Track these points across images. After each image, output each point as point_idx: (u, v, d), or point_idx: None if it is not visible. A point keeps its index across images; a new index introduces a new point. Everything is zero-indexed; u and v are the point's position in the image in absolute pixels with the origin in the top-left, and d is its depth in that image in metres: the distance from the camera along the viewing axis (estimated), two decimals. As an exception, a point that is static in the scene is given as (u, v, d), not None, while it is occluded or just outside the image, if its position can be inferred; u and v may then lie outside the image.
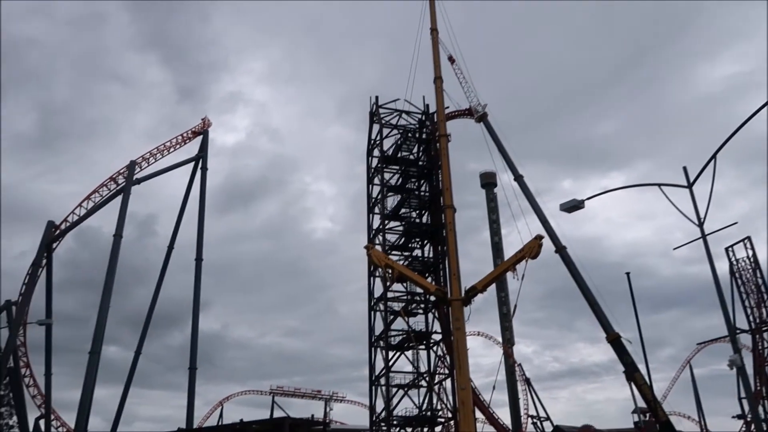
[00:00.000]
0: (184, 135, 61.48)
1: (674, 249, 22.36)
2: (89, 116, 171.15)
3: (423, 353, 48.80)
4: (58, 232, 52.64)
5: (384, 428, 45.79)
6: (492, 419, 66.81)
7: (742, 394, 63.20)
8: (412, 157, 54.25)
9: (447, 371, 47.20)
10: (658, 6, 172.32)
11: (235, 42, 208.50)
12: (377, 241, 50.51)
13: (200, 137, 62.53)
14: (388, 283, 45.81)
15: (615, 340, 41.90)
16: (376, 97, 55.70)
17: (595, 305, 43.85)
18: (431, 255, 50.52)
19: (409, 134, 54.36)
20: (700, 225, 19.08)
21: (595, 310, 43.77)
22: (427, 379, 47.32)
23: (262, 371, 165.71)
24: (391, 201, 52.41)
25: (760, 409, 60.78)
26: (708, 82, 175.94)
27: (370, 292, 49.85)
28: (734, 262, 66.86)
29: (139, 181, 54.70)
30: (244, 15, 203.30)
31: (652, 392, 38.49)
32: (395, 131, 54.62)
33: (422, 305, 49.20)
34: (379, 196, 52.04)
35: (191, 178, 61.28)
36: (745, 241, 65.98)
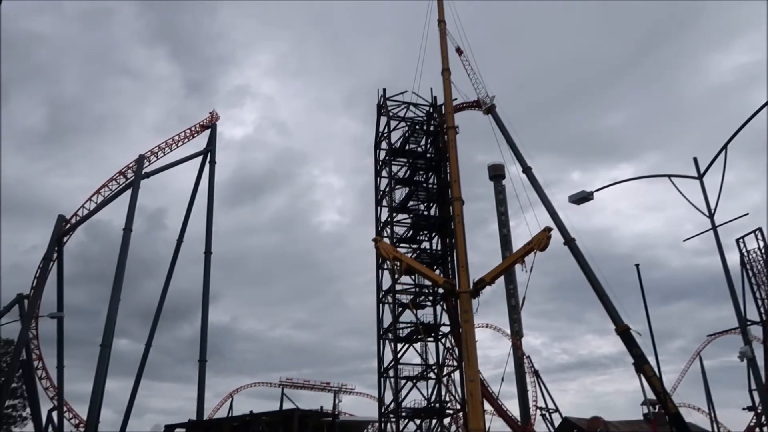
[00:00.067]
0: (193, 129, 61.61)
1: (684, 240, 22.24)
2: (98, 111, 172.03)
3: (431, 345, 48.90)
4: (68, 226, 52.99)
5: (393, 420, 45.98)
6: (501, 411, 66.87)
7: (753, 386, 62.91)
8: (420, 149, 54.14)
9: (455, 363, 47.28)
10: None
11: (242, 35, 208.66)
12: (385, 234, 50.52)
13: (208, 131, 62.61)
14: (396, 276, 45.85)
15: (624, 332, 41.73)
16: (384, 90, 55.57)
17: (604, 297, 43.66)
18: (439, 247, 50.49)
19: (417, 126, 54.21)
20: (711, 216, 18.92)
21: (604, 302, 43.59)
22: (435, 371, 47.41)
23: (271, 363, 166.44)
24: (399, 193, 52.39)
25: (771, 400, 60.37)
26: (719, 73, 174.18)
27: (379, 285, 49.94)
28: (745, 254, 66.37)
29: (148, 175, 54.89)
30: (251, 8, 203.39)
31: (662, 384, 38.34)
32: (403, 123, 54.49)
33: (430, 297, 49.23)
34: (387, 189, 52.00)
35: (200, 172, 61.46)
36: (756, 232, 65.45)
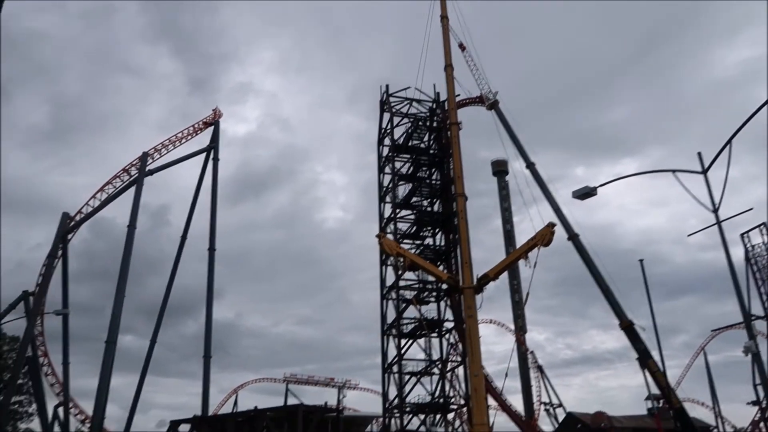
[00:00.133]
0: (196, 126, 61.66)
1: (689, 236, 22.17)
2: (101, 109, 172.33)
3: (435, 341, 49.02)
4: (72, 223, 53.14)
5: (397, 415, 46.11)
6: (505, 406, 66.98)
7: (757, 381, 62.93)
8: (423, 145, 54.10)
9: (459, 359, 47.38)
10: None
11: (244, 32, 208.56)
12: (389, 230, 50.57)
13: (211, 128, 62.68)
14: (399, 272, 45.93)
15: (628, 327, 41.76)
16: (387, 86, 55.52)
17: (608, 292, 43.68)
18: (443, 243, 50.52)
19: (420, 123, 54.18)
20: (715, 211, 18.88)
21: (608, 297, 43.60)
22: (439, 366, 47.50)
23: (275, 359, 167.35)
24: (403, 190, 52.41)
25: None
26: (723, 67, 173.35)
27: (382, 281, 50.01)
28: (749, 249, 66.28)
29: (152, 172, 54.98)
30: (253, 5, 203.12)
31: (666, 379, 38.36)
32: (406, 120, 54.46)
33: (434, 293, 49.30)
34: (391, 185, 52.02)
35: (203, 169, 61.50)
36: (761, 227, 65.33)
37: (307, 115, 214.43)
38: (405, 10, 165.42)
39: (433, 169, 53.13)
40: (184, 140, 59.82)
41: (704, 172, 19.15)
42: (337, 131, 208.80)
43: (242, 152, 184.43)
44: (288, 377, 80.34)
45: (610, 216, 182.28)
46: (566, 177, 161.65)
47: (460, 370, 46.97)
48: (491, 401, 59.47)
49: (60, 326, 52.69)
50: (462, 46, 57.21)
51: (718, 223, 19.03)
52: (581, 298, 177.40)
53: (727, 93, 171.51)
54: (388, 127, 54.08)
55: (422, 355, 48.68)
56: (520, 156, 51.72)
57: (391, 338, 48.19)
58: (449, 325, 47.98)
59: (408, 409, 46.36)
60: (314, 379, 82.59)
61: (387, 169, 53.31)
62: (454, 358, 48.28)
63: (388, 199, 52.39)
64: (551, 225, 37.65)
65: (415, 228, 51.56)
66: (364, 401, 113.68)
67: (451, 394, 47.34)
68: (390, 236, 47.45)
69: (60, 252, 52.16)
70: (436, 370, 47.58)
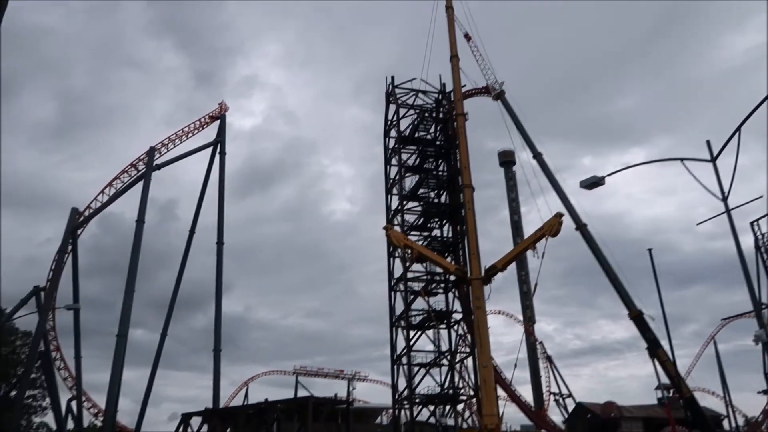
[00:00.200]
0: (202, 120, 61.74)
1: (698, 224, 22.03)
2: (107, 104, 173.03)
3: (444, 332, 49.09)
4: (82, 218, 53.46)
5: (407, 406, 46.30)
6: (514, 397, 67.08)
7: (768, 370, 62.56)
8: (429, 136, 53.96)
9: (468, 350, 47.43)
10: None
11: (249, 26, 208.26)
12: (396, 222, 50.57)
13: (217, 122, 62.77)
14: (407, 264, 45.93)
15: (637, 317, 41.60)
16: (392, 78, 55.32)
17: (616, 282, 43.49)
18: (450, 235, 50.46)
19: (426, 114, 54.00)
20: (724, 199, 18.72)
21: (617, 287, 43.42)
22: (448, 357, 47.59)
23: (285, 352, 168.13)
24: (409, 181, 52.33)
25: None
26: (732, 54, 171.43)
27: (390, 273, 50.07)
28: (759, 237, 65.68)
29: (159, 166, 55.13)
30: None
31: (676, 369, 38.23)
32: (412, 111, 54.29)
33: (442, 285, 49.31)
34: (397, 177, 51.96)
35: (210, 163, 61.66)
36: (771, 214, 64.63)
37: (313, 107, 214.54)
38: (409, 1, 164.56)
39: (440, 161, 52.99)
40: (190, 134, 59.93)
41: (713, 160, 18.98)
42: (343, 123, 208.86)
43: (249, 146, 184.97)
44: (298, 370, 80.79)
45: (618, 205, 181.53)
46: (574, 167, 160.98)
47: (469, 361, 47.06)
48: (501, 392, 59.59)
49: (71, 321, 53.18)
50: (467, 37, 56.88)
51: (728, 211, 18.87)
52: (590, 288, 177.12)
53: (736, 80, 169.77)
54: (394, 118, 53.95)
55: (431, 347, 48.81)
56: (527, 146, 51.44)
57: (399, 330, 48.31)
58: (458, 316, 48.03)
59: (417, 400, 46.53)
60: (324, 371, 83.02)
61: (393, 161, 53.23)
62: (462, 349, 48.34)
63: (395, 191, 52.33)
64: (559, 215, 37.52)
65: (422, 220, 51.53)
66: (374, 393, 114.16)
67: (461, 385, 47.45)
68: (397, 228, 47.45)
69: (70, 247, 52.51)
70: (445, 362, 47.67)
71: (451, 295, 49.09)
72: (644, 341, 40.97)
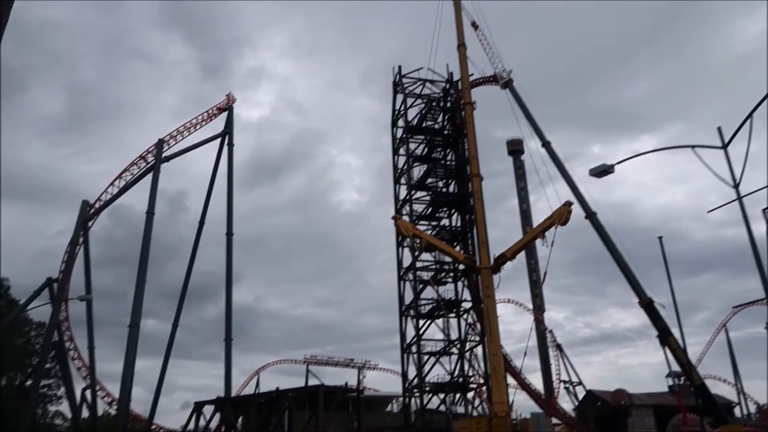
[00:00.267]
0: (210, 112, 61.84)
1: (708, 212, 21.98)
2: (116, 96, 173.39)
3: (453, 321, 49.28)
4: (92, 210, 53.89)
5: (417, 394, 46.57)
6: (524, 385, 67.17)
7: (780, 357, 62.25)
8: (437, 126, 53.82)
9: (478, 338, 47.57)
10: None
11: (255, 17, 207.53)
12: (404, 212, 50.61)
13: (225, 113, 62.86)
14: (416, 253, 46.03)
15: (648, 305, 41.47)
16: (399, 67, 55.15)
17: (626, 270, 43.30)
18: (459, 224, 50.47)
19: (434, 103, 53.83)
20: (736, 187, 18.58)
21: (627, 275, 43.25)
22: (458, 346, 47.75)
23: (295, 341, 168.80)
24: (417, 171, 52.32)
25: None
26: (743, 39, 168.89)
27: (399, 262, 50.22)
28: (771, 224, 65.07)
29: (168, 158, 55.33)
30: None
31: (687, 356, 38.14)
32: (419, 101, 54.12)
33: (451, 274, 49.39)
34: (405, 167, 51.92)
35: (218, 155, 61.80)
36: (783, 201, 64.07)
37: (320, 98, 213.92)
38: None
39: (448, 150, 52.86)
40: (198, 126, 60.07)
41: (724, 147, 18.82)
42: (350, 114, 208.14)
43: (256, 137, 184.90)
44: (308, 358, 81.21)
45: (628, 193, 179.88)
46: (583, 155, 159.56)
47: (479, 350, 47.28)
48: (510, 380, 59.66)
49: (84, 311, 53.81)
50: (475, 25, 56.41)
51: (739, 198, 18.74)
52: (599, 277, 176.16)
53: (747, 65, 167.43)
54: (402, 108, 53.83)
55: (441, 336, 48.98)
56: (536, 135, 51.03)
57: (409, 319, 48.51)
58: (467, 305, 48.13)
59: (427, 388, 46.79)
60: (334, 360, 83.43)
61: (401, 151, 53.17)
62: (472, 338, 48.49)
63: (403, 180, 52.33)
64: (568, 204, 37.41)
65: (430, 209, 51.53)
66: (384, 381, 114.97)
67: (470, 373, 47.66)
68: (406, 218, 47.50)
69: (81, 239, 52.99)
70: (454, 350, 47.86)
71: (460, 284, 49.19)
72: (655, 329, 40.88)
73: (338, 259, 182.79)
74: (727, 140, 18.78)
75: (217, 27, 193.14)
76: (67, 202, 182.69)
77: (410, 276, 48.77)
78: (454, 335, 48.62)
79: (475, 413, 46.40)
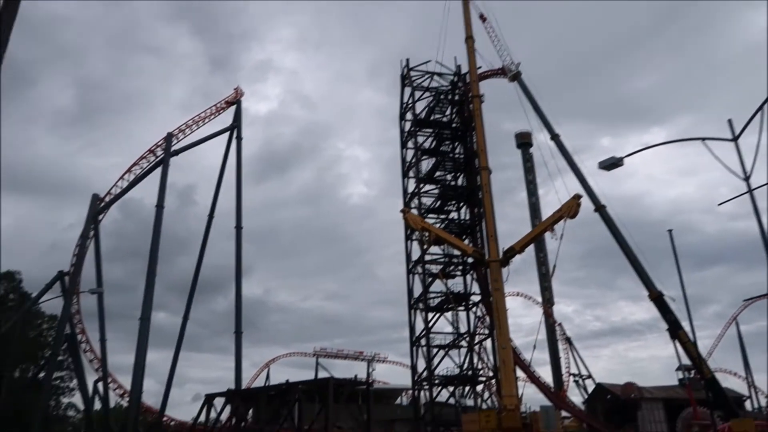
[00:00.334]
0: (218, 105, 61.90)
1: (719, 204, 21.67)
2: (125, 90, 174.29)
3: (462, 314, 49.30)
4: (102, 204, 54.25)
5: (426, 387, 46.71)
6: (533, 378, 67.16)
7: (791, 350, 61.86)
8: (445, 119, 53.69)
9: (487, 331, 47.60)
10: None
11: (263, 10, 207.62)
12: (413, 205, 50.59)
13: (233, 107, 62.90)
14: (425, 246, 46.03)
15: (658, 298, 41.28)
16: (407, 60, 54.96)
17: (636, 263, 43.08)
18: (467, 217, 50.41)
19: (442, 96, 53.69)
20: (746, 179, 18.43)
21: (637, 268, 43.03)
22: (467, 339, 47.81)
23: (304, 334, 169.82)
24: (426, 164, 52.25)
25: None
26: (754, 30, 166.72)
27: (408, 255, 50.23)
28: (783, 216, 64.50)
29: (177, 152, 55.46)
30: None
31: (697, 350, 37.96)
32: (427, 94, 53.99)
33: (460, 267, 49.38)
34: (414, 160, 51.86)
35: (227, 148, 61.79)
36: (796, 193, 63.41)
37: (328, 91, 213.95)
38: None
39: (456, 143, 52.73)
40: (207, 120, 60.16)
41: (735, 139, 18.65)
42: (358, 107, 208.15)
43: (265, 130, 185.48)
44: (318, 351, 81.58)
45: (637, 186, 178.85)
46: (592, 148, 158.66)
47: (488, 343, 47.31)
48: (520, 373, 59.66)
49: (96, 304, 54.29)
50: (483, 17, 56.03)
51: (750, 191, 18.58)
52: (609, 270, 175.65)
53: (758, 57, 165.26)
54: (410, 101, 53.71)
55: (450, 329, 49.05)
56: (545, 127, 50.66)
57: (418, 312, 48.60)
58: (476, 298, 48.16)
59: (437, 381, 46.91)
60: (343, 353, 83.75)
61: (410, 144, 53.10)
62: (481, 331, 48.54)
63: (411, 174, 52.28)
64: (577, 197, 37.24)
65: (439, 202, 51.49)
66: (393, 374, 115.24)
67: (480, 366, 47.72)
68: (414, 211, 47.49)
69: (92, 232, 53.39)
70: (464, 343, 47.91)
71: (469, 277, 49.19)
72: (665, 322, 40.70)
73: (347, 253, 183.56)
74: (737, 132, 18.61)
75: (225, 20, 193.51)
76: (78, 196, 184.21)
77: (419, 269, 48.81)
78: (463, 328, 48.69)
79: (484, 406, 46.49)
